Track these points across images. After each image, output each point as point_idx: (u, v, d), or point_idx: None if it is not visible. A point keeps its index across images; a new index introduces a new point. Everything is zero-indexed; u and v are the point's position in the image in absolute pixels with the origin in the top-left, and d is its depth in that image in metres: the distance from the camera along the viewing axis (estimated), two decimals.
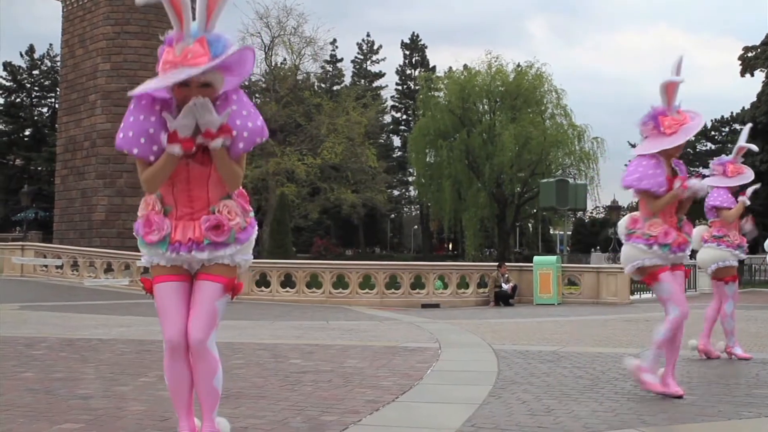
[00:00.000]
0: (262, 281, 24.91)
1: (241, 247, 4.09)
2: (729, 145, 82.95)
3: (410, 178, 78.28)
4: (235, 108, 3.97)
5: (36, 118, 76.23)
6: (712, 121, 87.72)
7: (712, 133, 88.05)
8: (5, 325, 13.29)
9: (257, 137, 4.03)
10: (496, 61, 51.36)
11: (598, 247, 66.89)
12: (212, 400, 4.11)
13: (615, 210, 46.28)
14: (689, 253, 6.59)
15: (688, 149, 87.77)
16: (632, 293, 25.98)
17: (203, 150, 3.95)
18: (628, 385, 6.82)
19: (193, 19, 3.85)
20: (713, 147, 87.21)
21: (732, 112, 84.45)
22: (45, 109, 77.29)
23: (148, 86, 3.84)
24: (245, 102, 4.07)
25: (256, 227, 4.23)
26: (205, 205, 4.06)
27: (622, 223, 6.68)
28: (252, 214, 4.20)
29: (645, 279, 6.50)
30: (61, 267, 29.34)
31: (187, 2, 3.85)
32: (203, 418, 4.15)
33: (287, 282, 25.02)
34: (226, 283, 4.06)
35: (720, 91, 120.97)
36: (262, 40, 52.19)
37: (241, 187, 4.14)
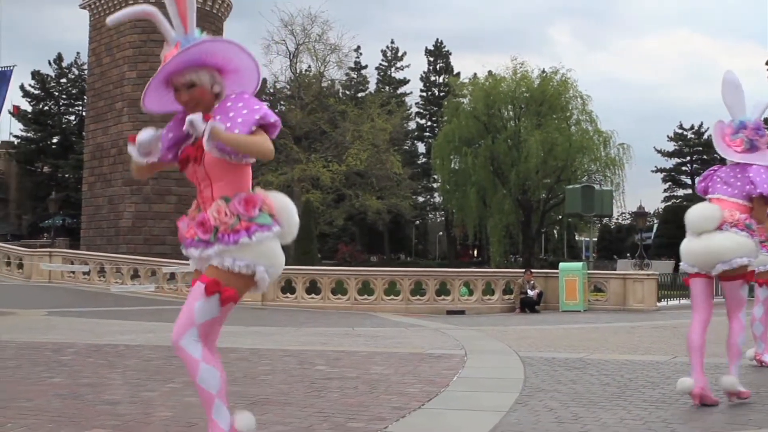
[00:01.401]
0: (288, 288, 24.95)
1: (227, 249, 3.96)
2: None
3: (435, 185, 78.15)
4: (222, 117, 4.00)
5: (64, 125, 76.90)
6: None
7: None
8: (33, 330, 13.41)
9: (255, 115, 3.97)
10: (521, 67, 51.28)
11: (628, 255, 66.45)
12: (203, 400, 4.03)
13: (641, 216, 45.92)
14: None
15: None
16: (659, 300, 25.80)
17: (199, 151, 4.07)
18: (657, 392, 6.77)
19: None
20: None
21: None
22: (72, 117, 77.95)
23: (144, 96, 4.12)
24: (245, 99, 4.07)
25: (262, 234, 3.99)
26: (209, 204, 4.12)
27: (715, 213, 6.31)
28: (259, 219, 4.00)
29: (736, 276, 6.21)
30: (88, 273, 29.54)
31: (160, 16, 4.11)
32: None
33: (312, 288, 25.05)
34: (208, 283, 3.98)
35: (745, 95, 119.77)
36: (287, 47, 52.43)
37: (253, 193, 4.07)
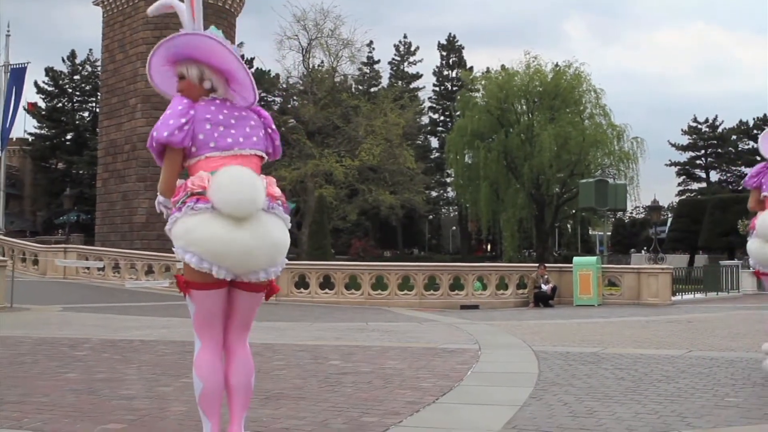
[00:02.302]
0: (302, 283, 24.98)
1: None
2: None
3: (448, 179, 78.09)
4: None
5: (77, 122, 77.22)
6: (754, 119, 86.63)
7: (755, 131, 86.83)
8: (49, 326, 13.47)
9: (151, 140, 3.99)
10: (534, 62, 51.15)
11: (644, 249, 66.26)
12: None
13: (655, 210, 45.77)
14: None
15: (730, 148, 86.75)
16: (674, 294, 25.72)
17: None
18: (671, 387, 6.75)
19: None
20: (755, 145, 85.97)
21: None
22: (86, 114, 78.25)
23: (149, 69, 4.20)
24: (171, 103, 4.10)
25: (172, 217, 3.91)
26: None
27: None
28: (179, 203, 3.88)
29: None
30: (102, 269, 29.63)
31: (183, 9, 4.15)
32: (234, 421, 4.10)
33: (326, 283, 25.08)
34: (177, 278, 4.03)
35: (761, 88, 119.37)
36: (299, 42, 52.52)
37: (181, 181, 3.97)
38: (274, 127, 4.28)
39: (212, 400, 3.96)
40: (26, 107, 59.76)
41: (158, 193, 4.08)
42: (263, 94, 56.14)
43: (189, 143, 3.95)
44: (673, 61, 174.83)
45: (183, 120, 3.92)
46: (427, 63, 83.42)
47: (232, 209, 3.76)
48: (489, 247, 77.01)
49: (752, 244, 7.19)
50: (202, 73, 4.10)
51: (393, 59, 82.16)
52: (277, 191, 4.01)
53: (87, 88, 77.74)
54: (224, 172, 3.83)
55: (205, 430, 3.99)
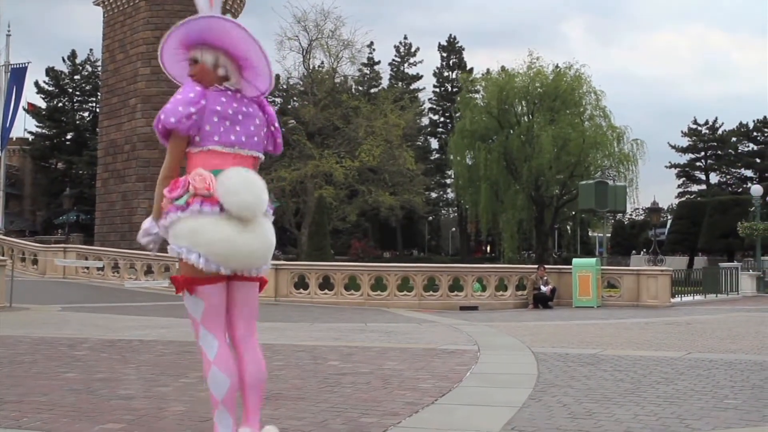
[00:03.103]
0: (301, 283, 24.97)
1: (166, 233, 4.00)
2: None
3: (448, 181, 78.16)
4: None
5: (78, 122, 77.25)
6: (754, 121, 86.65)
7: (755, 133, 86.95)
8: (48, 326, 13.47)
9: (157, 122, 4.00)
10: (536, 63, 51.17)
11: (644, 251, 66.29)
12: (210, 398, 4.00)
13: (655, 212, 45.78)
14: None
15: (730, 150, 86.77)
16: (673, 296, 25.72)
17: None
18: (670, 388, 6.75)
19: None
20: (755, 147, 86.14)
21: None
22: (86, 114, 78.30)
23: (161, 53, 4.18)
24: (183, 88, 4.07)
25: (170, 215, 3.92)
26: None
27: None
28: (178, 201, 3.91)
29: None
30: (102, 269, 29.62)
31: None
32: (251, 416, 4.10)
33: (326, 284, 25.06)
34: (175, 279, 4.09)
35: (761, 90, 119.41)
36: (300, 43, 52.54)
37: (178, 177, 4.00)
38: (277, 125, 4.29)
39: (234, 395, 3.97)
40: (26, 107, 59.80)
41: (158, 183, 3.99)
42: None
43: (195, 133, 3.95)
44: (672, 63, 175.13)
45: (192, 109, 3.91)
46: (427, 64, 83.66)
47: (246, 213, 3.89)
48: (488, 248, 77.07)
49: None
50: (217, 60, 4.08)
51: (393, 60, 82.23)
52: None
53: (87, 87, 77.78)
54: (234, 175, 3.90)
55: (224, 428, 3.96)
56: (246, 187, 3.89)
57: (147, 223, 4.10)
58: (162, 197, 3.95)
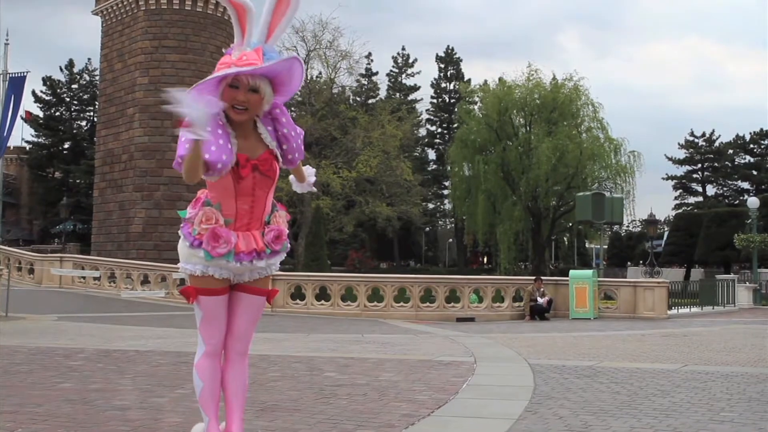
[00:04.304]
0: (297, 294, 24.96)
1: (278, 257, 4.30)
2: None
3: (445, 191, 78.17)
4: (286, 131, 4.25)
5: (75, 131, 77.25)
6: (750, 133, 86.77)
7: (751, 145, 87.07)
8: (44, 335, 13.45)
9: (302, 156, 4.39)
10: (534, 75, 51.23)
11: (641, 262, 66.34)
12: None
13: (652, 224, 45.84)
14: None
15: (727, 162, 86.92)
16: (670, 308, 25.72)
17: (270, 162, 4.18)
18: (667, 401, 6.74)
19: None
20: (752, 160, 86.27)
21: None
22: (84, 123, 78.32)
23: (198, 85, 3.89)
24: (292, 123, 4.27)
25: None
26: (260, 216, 4.20)
27: None
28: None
29: None
30: (98, 278, 29.61)
31: (253, 16, 4.06)
32: (234, 419, 4.37)
33: (322, 295, 25.05)
34: (268, 294, 4.37)
35: (757, 102, 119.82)
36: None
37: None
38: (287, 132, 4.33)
39: (210, 399, 4.30)
40: (23, 116, 59.74)
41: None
42: None
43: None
44: (668, 74, 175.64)
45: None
46: (425, 75, 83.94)
47: None
48: (485, 259, 77.07)
49: None
50: (271, 95, 4.09)
51: (391, 71, 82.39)
52: None
53: (85, 97, 77.83)
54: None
55: (204, 424, 4.37)
56: None
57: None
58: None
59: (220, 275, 4.15)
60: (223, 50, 4.15)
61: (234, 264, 4.10)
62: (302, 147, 4.39)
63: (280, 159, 4.24)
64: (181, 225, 4.21)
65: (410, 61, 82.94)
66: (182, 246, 4.22)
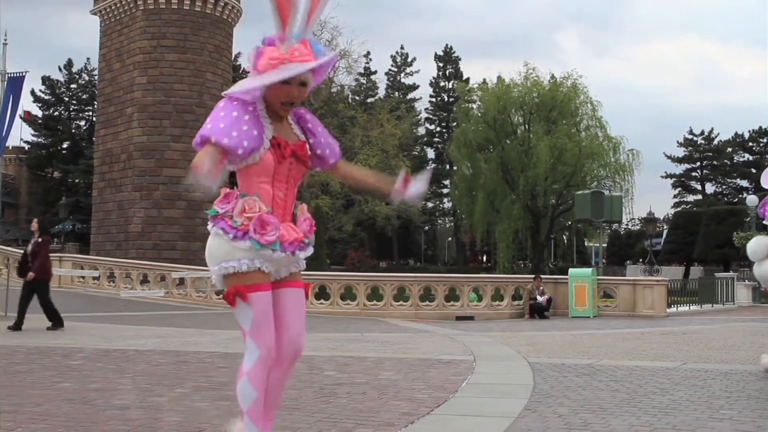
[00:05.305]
0: None
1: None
2: (767, 156, 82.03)
3: (444, 190, 78.17)
4: (311, 125, 4.28)
5: (74, 131, 77.18)
6: (749, 131, 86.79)
7: (750, 144, 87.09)
8: (43, 335, 13.45)
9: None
10: (533, 73, 51.24)
11: (640, 260, 66.33)
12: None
13: (651, 222, 45.86)
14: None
15: (726, 160, 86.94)
16: (669, 306, 25.73)
17: (305, 148, 4.16)
18: (666, 399, 6.74)
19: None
20: (751, 158, 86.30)
21: None
22: (82, 122, 78.25)
23: (263, 80, 3.86)
24: (316, 119, 4.30)
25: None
26: (290, 208, 4.12)
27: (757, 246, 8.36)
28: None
29: None
30: (98, 278, 29.60)
31: (297, 6, 3.93)
32: (269, 426, 4.15)
33: (321, 294, 25.05)
34: (306, 288, 4.23)
35: (756, 101, 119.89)
36: None
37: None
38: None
39: (262, 409, 4.01)
40: (22, 116, 59.71)
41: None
42: None
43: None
44: (667, 73, 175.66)
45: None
46: (423, 74, 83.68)
47: None
48: (485, 258, 77.05)
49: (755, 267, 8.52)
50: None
51: (390, 70, 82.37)
52: None
53: (83, 96, 77.75)
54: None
55: None
56: None
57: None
58: None
59: (267, 269, 3.96)
60: (259, 43, 4.00)
61: (279, 254, 3.94)
62: (335, 145, 4.36)
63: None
64: (211, 224, 3.96)
65: (409, 60, 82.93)
66: (219, 244, 3.94)
